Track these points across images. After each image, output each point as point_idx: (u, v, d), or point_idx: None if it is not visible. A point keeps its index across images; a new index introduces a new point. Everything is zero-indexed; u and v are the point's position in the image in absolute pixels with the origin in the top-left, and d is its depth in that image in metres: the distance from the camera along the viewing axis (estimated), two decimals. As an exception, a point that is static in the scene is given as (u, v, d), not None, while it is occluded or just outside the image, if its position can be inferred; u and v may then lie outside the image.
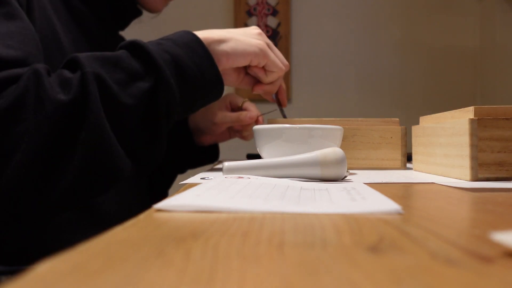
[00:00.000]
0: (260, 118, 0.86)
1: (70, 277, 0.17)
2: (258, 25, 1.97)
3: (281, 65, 0.73)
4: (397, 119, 0.78)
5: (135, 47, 0.59)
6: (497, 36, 1.85)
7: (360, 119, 0.78)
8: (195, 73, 0.61)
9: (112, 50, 0.62)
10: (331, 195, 0.38)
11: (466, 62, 1.99)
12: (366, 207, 0.31)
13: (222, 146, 0.98)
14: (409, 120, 1.02)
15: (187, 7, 1.88)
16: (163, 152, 0.61)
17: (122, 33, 0.88)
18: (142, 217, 0.29)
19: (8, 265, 0.57)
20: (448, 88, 1.98)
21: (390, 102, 1.97)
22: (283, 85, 0.81)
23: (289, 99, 1.73)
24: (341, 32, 1.99)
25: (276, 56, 0.73)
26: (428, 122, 0.69)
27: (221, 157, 1.00)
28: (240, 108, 0.88)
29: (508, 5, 1.79)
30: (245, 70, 0.75)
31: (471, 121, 0.52)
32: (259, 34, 0.72)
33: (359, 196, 0.36)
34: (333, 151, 0.51)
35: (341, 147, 0.64)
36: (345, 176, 0.55)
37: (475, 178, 0.51)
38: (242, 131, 0.90)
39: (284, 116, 0.84)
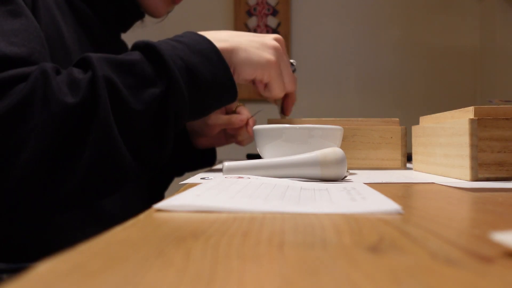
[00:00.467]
0: (251, 122, 0.86)
1: (70, 277, 0.17)
2: (258, 25, 1.97)
3: (280, 89, 0.72)
4: (397, 119, 0.78)
5: (150, 50, 0.58)
6: (497, 36, 1.85)
7: (360, 119, 0.78)
8: (208, 81, 0.61)
9: (114, 51, 0.62)
10: (331, 195, 0.38)
11: (466, 62, 1.99)
12: (366, 207, 0.31)
13: (222, 146, 0.98)
14: (409, 120, 1.02)
15: (187, 7, 1.88)
16: (168, 155, 0.61)
17: (124, 33, 0.88)
18: (142, 217, 0.29)
19: (9, 262, 0.58)
20: (448, 88, 1.98)
21: (390, 102, 1.97)
22: (293, 96, 0.80)
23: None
24: (341, 32, 1.99)
25: (283, 76, 0.71)
26: (428, 122, 0.69)
27: (221, 157, 1.00)
28: (234, 112, 0.89)
29: (508, 5, 1.79)
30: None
31: (471, 121, 0.52)
32: (274, 48, 0.70)
33: (359, 196, 0.36)
34: (333, 151, 0.51)
35: (341, 147, 0.64)
36: (345, 176, 0.55)
37: (475, 178, 0.51)
38: (237, 136, 0.90)
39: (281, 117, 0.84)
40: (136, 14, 0.81)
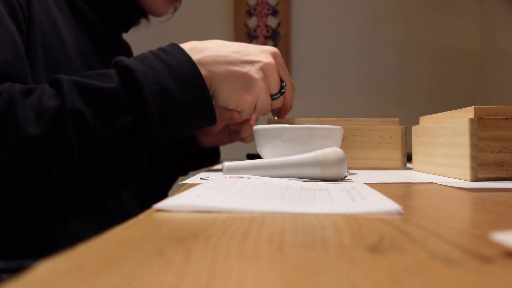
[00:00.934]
0: (254, 116, 0.86)
1: (70, 277, 0.17)
2: (258, 25, 1.97)
3: (248, 115, 0.68)
4: (397, 119, 0.78)
5: (127, 75, 0.56)
6: (497, 36, 1.85)
7: (360, 119, 0.78)
8: (185, 107, 0.59)
9: (115, 51, 0.61)
10: (331, 195, 0.38)
11: (466, 62, 1.99)
12: (366, 207, 0.31)
13: (223, 146, 0.98)
14: (409, 120, 1.02)
15: (187, 7, 1.88)
16: (140, 173, 0.60)
17: (127, 33, 0.88)
18: (142, 217, 0.29)
19: (8, 259, 0.58)
20: (448, 88, 1.98)
21: (390, 102, 1.97)
22: (288, 105, 0.75)
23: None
24: (341, 32, 1.99)
25: (258, 101, 0.67)
26: (428, 122, 0.69)
27: (222, 157, 1.00)
28: None
29: (508, 5, 1.79)
30: None
31: (471, 121, 0.52)
32: (261, 69, 0.65)
33: (359, 196, 0.36)
34: (333, 151, 0.51)
35: (341, 147, 0.64)
36: (345, 176, 0.55)
37: (475, 178, 0.51)
38: (240, 132, 0.90)
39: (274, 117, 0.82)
40: (136, 13, 0.81)
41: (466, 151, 0.52)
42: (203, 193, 0.36)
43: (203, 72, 0.61)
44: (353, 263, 0.18)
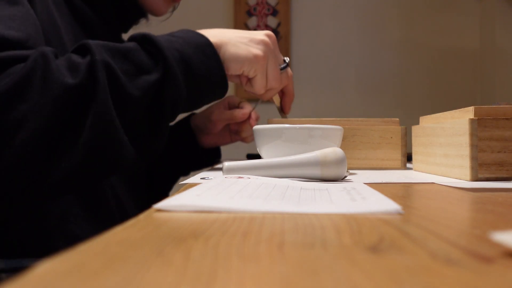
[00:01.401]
0: (253, 115, 0.86)
1: (70, 277, 0.17)
2: (258, 26, 1.97)
3: (262, 85, 0.72)
4: (397, 119, 0.78)
5: (146, 41, 0.59)
6: (497, 36, 1.85)
7: (360, 119, 0.78)
8: (202, 72, 0.62)
9: None
10: (331, 195, 0.38)
11: (466, 62, 1.99)
12: (366, 207, 0.31)
13: (223, 146, 0.98)
14: (409, 120, 1.02)
15: (187, 6, 1.88)
16: (163, 144, 0.62)
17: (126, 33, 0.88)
18: (142, 217, 0.29)
19: (8, 257, 0.58)
20: (448, 88, 1.98)
21: (391, 102, 1.97)
22: (291, 93, 0.80)
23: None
24: (341, 32, 1.99)
25: (268, 73, 0.71)
26: (428, 122, 0.69)
27: (222, 157, 1.00)
28: (237, 107, 0.89)
29: (508, 5, 1.80)
30: None
31: (471, 121, 0.52)
32: (263, 43, 0.70)
33: (359, 196, 0.36)
34: (333, 151, 0.51)
35: (341, 147, 0.64)
36: (345, 176, 0.55)
37: (475, 178, 0.51)
38: (241, 132, 0.90)
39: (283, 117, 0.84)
40: (136, 13, 0.81)
41: (466, 151, 0.52)
42: (203, 193, 0.36)
43: (213, 39, 0.66)
44: (353, 263, 0.18)
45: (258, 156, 0.65)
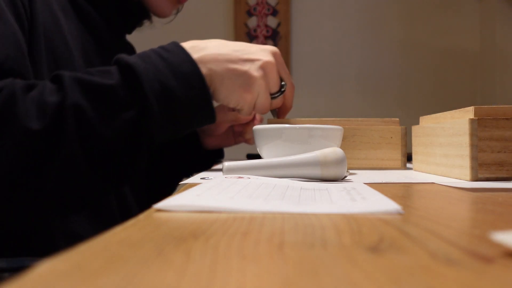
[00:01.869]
0: (258, 117, 0.86)
1: (70, 277, 0.17)
2: (258, 25, 1.97)
3: (247, 113, 0.69)
4: (397, 119, 0.78)
5: (128, 72, 0.56)
6: (497, 36, 1.85)
7: (360, 119, 0.78)
8: (186, 104, 0.59)
9: (118, 52, 0.61)
10: (331, 195, 0.38)
11: (466, 62, 1.99)
12: (366, 207, 0.31)
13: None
14: (409, 120, 1.02)
15: (187, 7, 1.88)
16: (139, 172, 0.60)
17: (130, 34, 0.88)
18: (142, 217, 0.29)
19: (10, 257, 0.58)
20: (448, 88, 1.98)
21: (390, 102, 1.97)
22: (287, 107, 0.75)
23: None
24: (341, 32, 1.99)
25: (258, 100, 0.67)
26: (428, 122, 0.69)
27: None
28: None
29: (508, 5, 1.80)
30: None
31: (471, 121, 0.52)
32: (262, 68, 0.65)
33: (359, 196, 0.36)
34: (333, 151, 0.51)
35: (341, 147, 0.64)
36: (345, 176, 0.55)
37: (475, 178, 0.51)
38: (245, 134, 0.90)
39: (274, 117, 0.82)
40: (140, 15, 0.81)
41: (466, 151, 0.52)
42: (203, 193, 0.36)
43: (203, 70, 0.61)
44: (353, 263, 0.18)
45: (258, 156, 0.64)
